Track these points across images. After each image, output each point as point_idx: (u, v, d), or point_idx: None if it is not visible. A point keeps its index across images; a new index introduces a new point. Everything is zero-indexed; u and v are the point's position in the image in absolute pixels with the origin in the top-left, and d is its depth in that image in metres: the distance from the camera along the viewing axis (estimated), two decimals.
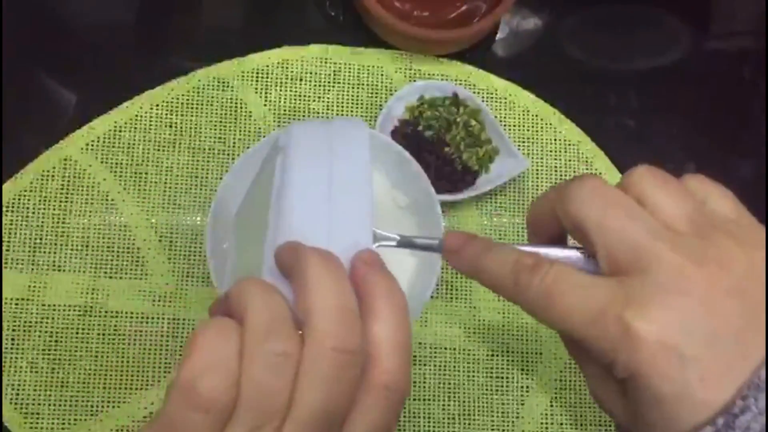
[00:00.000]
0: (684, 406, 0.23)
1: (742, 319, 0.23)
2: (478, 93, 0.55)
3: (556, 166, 0.54)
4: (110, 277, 0.48)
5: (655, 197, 0.25)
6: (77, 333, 0.47)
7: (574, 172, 0.54)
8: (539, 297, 0.25)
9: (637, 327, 0.23)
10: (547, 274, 0.25)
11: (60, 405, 0.46)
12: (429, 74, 0.55)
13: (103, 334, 0.48)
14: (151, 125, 0.51)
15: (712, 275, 0.23)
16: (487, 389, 0.50)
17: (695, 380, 0.23)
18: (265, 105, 0.53)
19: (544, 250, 0.27)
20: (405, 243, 0.29)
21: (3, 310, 0.47)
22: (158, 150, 0.51)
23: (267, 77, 0.53)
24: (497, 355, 0.50)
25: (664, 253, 0.24)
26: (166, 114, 0.52)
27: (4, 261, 0.48)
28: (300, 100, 0.53)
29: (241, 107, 0.52)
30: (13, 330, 0.47)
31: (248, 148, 0.42)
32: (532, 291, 0.25)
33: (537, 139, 0.55)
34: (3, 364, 0.46)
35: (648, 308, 0.23)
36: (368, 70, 0.55)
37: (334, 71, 0.54)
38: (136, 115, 0.51)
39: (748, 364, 0.23)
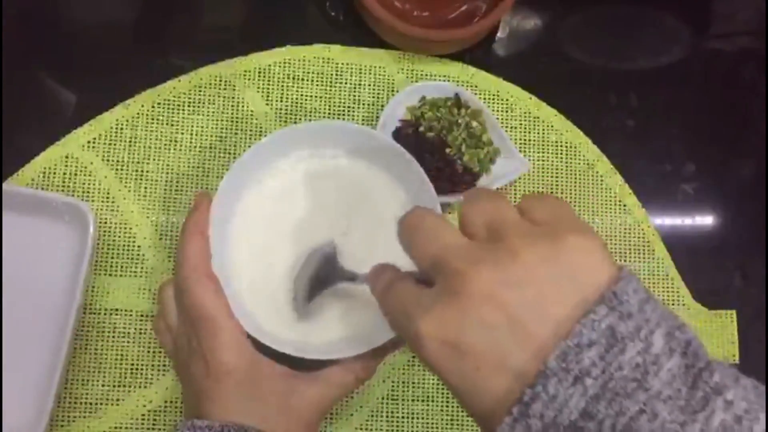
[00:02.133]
0: (471, 396, 0.25)
1: (520, 308, 0.25)
2: (480, 94, 0.55)
3: (557, 168, 0.54)
4: (110, 275, 0.48)
5: (467, 215, 0.29)
6: (77, 330, 0.47)
7: (575, 173, 0.55)
8: (387, 308, 0.30)
9: (421, 328, 0.26)
10: (393, 288, 0.30)
11: (59, 402, 0.46)
12: (431, 75, 0.55)
13: (103, 332, 0.48)
14: (152, 123, 0.51)
15: (489, 273, 0.25)
16: None
17: (471, 370, 0.25)
18: (266, 104, 0.53)
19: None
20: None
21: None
22: (159, 148, 0.51)
23: (268, 77, 0.53)
24: None
25: (449, 261, 0.26)
26: (168, 112, 0.52)
27: None
28: (301, 99, 0.53)
29: (243, 106, 0.52)
30: None
31: (249, 146, 0.42)
32: (385, 301, 0.30)
33: (538, 140, 0.55)
34: None
35: (432, 311, 0.26)
36: (370, 70, 0.55)
37: (336, 71, 0.54)
38: (138, 113, 0.51)
39: (526, 350, 0.24)
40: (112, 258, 0.49)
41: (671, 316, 0.25)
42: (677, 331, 0.25)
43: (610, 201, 0.54)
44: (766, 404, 0.24)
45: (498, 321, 0.25)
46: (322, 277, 0.41)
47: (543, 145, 0.55)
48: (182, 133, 0.51)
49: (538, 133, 0.55)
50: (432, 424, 0.49)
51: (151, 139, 0.51)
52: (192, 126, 0.52)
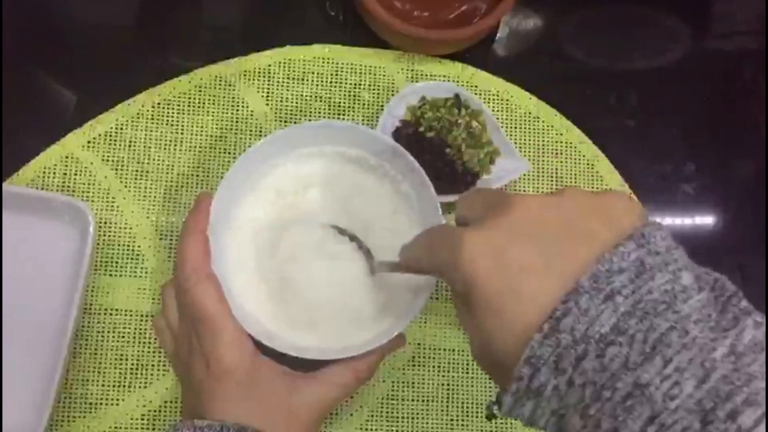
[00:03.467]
0: (508, 301, 0.26)
1: (565, 226, 0.26)
2: (480, 94, 0.55)
3: (556, 168, 0.54)
4: (110, 275, 0.48)
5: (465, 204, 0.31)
6: (77, 330, 0.47)
7: (575, 173, 0.55)
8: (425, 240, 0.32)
9: (465, 237, 0.27)
10: (436, 232, 0.31)
11: (58, 402, 0.46)
12: (431, 75, 0.55)
13: (103, 332, 0.48)
14: (152, 123, 0.51)
15: (534, 199, 0.28)
16: (486, 390, 0.50)
17: (515, 270, 0.26)
18: (266, 104, 0.53)
19: None
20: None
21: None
22: (159, 148, 0.51)
23: (268, 76, 0.53)
24: None
25: (507, 194, 0.29)
26: (168, 112, 0.52)
27: None
28: (301, 99, 0.53)
29: (243, 106, 0.52)
30: None
31: (249, 146, 0.42)
32: (423, 238, 0.32)
33: (538, 140, 0.55)
34: None
35: (478, 227, 0.28)
36: (370, 70, 0.55)
37: (336, 71, 0.54)
38: (138, 113, 0.51)
39: (569, 262, 0.25)
40: (112, 258, 0.49)
41: (699, 267, 0.26)
42: (705, 274, 0.26)
43: None
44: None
45: (543, 235, 0.26)
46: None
47: (543, 145, 0.55)
48: (182, 133, 0.51)
49: (538, 133, 0.55)
50: (432, 424, 0.49)
51: (151, 139, 0.51)
52: (192, 126, 0.52)
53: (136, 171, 0.50)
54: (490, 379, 0.50)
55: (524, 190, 0.54)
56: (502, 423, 0.50)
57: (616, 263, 0.25)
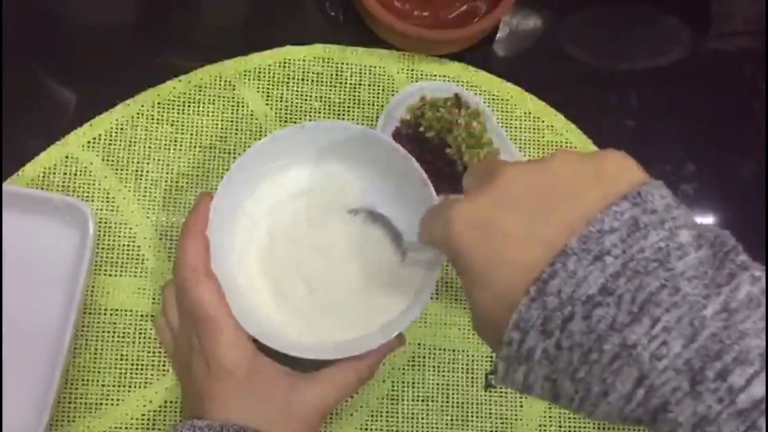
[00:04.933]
0: (494, 270, 0.26)
1: (551, 192, 0.26)
2: (480, 94, 0.55)
3: None
4: (110, 275, 0.48)
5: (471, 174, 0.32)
6: (76, 330, 0.47)
7: None
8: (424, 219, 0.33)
9: (452, 212, 0.27)
10: (433, 208, 0.32)
11: (58, 402, 0.46)
12: (431, 75, 0.55)
13: (103, 332, 0.48)
14: (152, 123, 0.51)
15: (519, 166, 0.27)
16: (486, 391, 0.50)
17: (500, 239, 0.26)
18: (266, 104, 0.53)
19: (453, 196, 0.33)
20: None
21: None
22: (159, 148, 0.51)
23: (268, 76, 0.53)
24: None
25: (493, 163, 0.29)
26: (168, 112, 0.52)
27: None
28: (301, 99, 0.53)
29: (243, 106, 0.52)
30: None
31: (249, 146, 0.42)
32: (424, 217, 0.33)
33: (538, 140, 0.55)
34: None
35: (465, 198, 0.28)
36: (370, 70, 0.55)
37: (336, 71, 0.54)
38: (138, 113, 0.51)
39: (554, 226, 0.25)
40: (112, 258, 0.49)
41: (700, 224, 0.26)
42: (707, 232, 0.25)
43: None
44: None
45: (528, 201, 0.26)
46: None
47: (543, 145, 0.55)
48: (182, 133, 0.51)
49: (538, 133, 0.55)
50: (432, 424, 0.49)
51: (151, 139, 0.51)
52: (192, 126, 0.52)
53: (136, 171, 0.50)
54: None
55: None
56: (502, 423, 0.50)
57: (607, 223, 0.24)
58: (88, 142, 0.50)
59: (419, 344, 0.50)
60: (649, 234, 0.24)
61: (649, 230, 0.24)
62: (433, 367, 0.50)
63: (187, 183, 0.51)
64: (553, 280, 0.24)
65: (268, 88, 0.53)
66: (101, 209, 0.49)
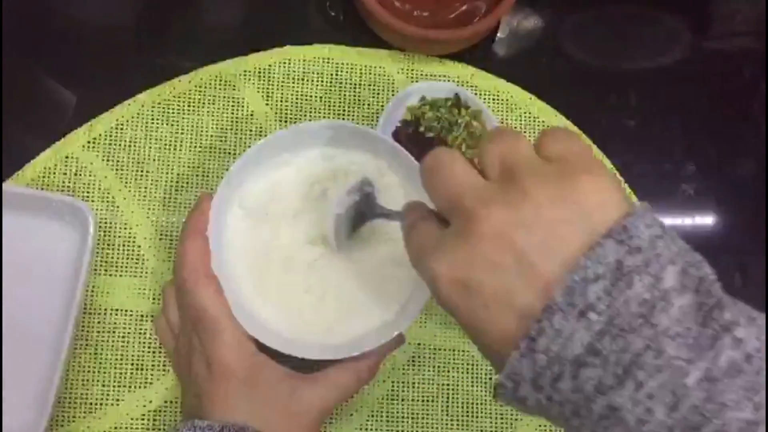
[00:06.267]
0: (482, 334, 0.26)
1: (529, 247, 0.25)
2: (480, 94, 0.55)
3: None
4: (110, 275, 0.48)
5: (483, 156, 0.29)
6: (76, 330, 0.47)
7: None
8: (409, 247, 0.31)
9: (435, 268, 0.27)
10: (415, 227, 0.31)
11: (58, 402, 0.46)
12: (431, 75, 0.55)
13: (103, 332, 0.48)
14: (152, 123, 0.51)
15: (499, 213, 0.25)
16: (486, 390, 0.50)
17: (481, 308, 0.25)
18: (266, 104, 0.53)
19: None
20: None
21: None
22: (159, 148, 0.51)
23: (269, 76, 0.53)
24: None
25: (462, 202, 0.27)
26: (168, 112, 0.52)
27: None
28: (302, 99, 0.53)
29: (243, 106, 0.52)
30: None
31: (249, 146, 0.42)
32: (408, 240, 0.31)
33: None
34: None
35: (445, 251, 0.27)
36: (370, 70, 0.55)
37: (336, 71, 0.54)
38: (138, 113, 0.51)
39: (533, 288, 0.24)
40: (112, 258, 0.49)
41: (688, 253, 0.25)
42: (692, 268, 0.24)
43: None
44: None
45: (506, 260, 0.25)
46: (360, 213, 0.41)
47: None
48: (182, 133, 0.51)
49: (538, 133, 0.55)
50: (432, 424, 0.49)
51: (151, 139, 0.51)
52: (192, 126, 0.52)
53: (136, 171, 0.50)
54: (490, 378, 0.50)
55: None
56: (502, 423, 0.50)
57: (591, 269, 0.23)
58: (88, 142, 0.50)
59: (419, 344, 0.50)
60: (634, 282, 0.23)
61: (633, 277, 0.23)
62: (434, 367, 0.50)
63: (187, 183, 0.51)
64: (541, 338, 0.24)
65: (268, 88, 0.53)
66: (101, 209, 0.49)
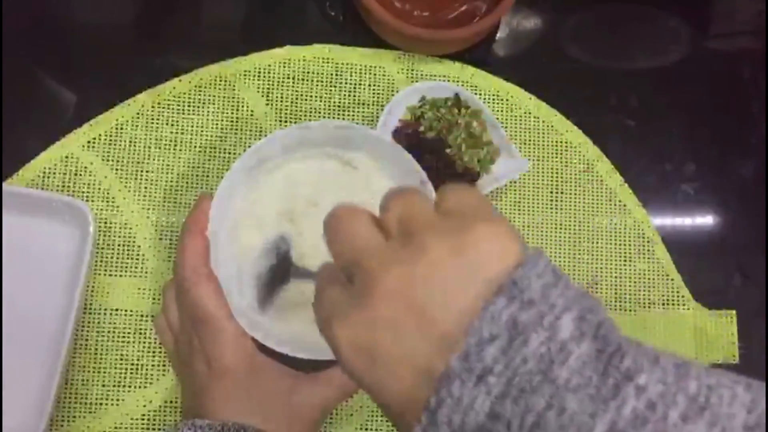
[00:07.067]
0: (385, 399, 0.25)
1: (427, 304, 0.24)
2: (480, 94, 0.55)
3: (556, 168, 0.54)
4: (110, 275, 0.48)
5: (382, 213, 0.28)
6: (76, 330, 0.47)
7: (575, 173, 0.55)
8: (315, 314, 0.28)
9: (336, 334, 0.25)
10: (322, 293, 0.28)
11: (58, 402, 0.46)
12: (431, 75, 0.55)
13: (103, 332, 0.48)
14: (152, 123, 0.51)
15: (397, 271, 0.25)
16: None
17: (383, 373, 0.24)
18: (266, 104, 0.53)
19: None
20: None
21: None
22: (159, 148, 0.51)
23: (269, 76, 0.53)
24: None
25: (361, 262, 0.26)
26: (168, 112, 0.52)
27: None
28: (302, 99, 0.53)
29: (243, 106, 0.52)
30: None
31: (249, 146, 0.42)
32: (315, 307, 0.29)
33: (538, 140, 0.55)
34: None
35: (346, 315, 0.25)
36: (370, 70, 0.55)
37: (336, 71, 0.54)
38: (138, 113, 0.51)
39: (432, 345, 0.24)
40: (112, 258, 0.49)
41: (583, 298, 0.24)
42: (588, 314, 0.23)
43: (610, 201, 0.54)
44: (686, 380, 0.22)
45: (406, 319, 0.24)
46: (280, 274, 0.41)
47: (543, 145, 0.55)
48: (182, 133, 0.51)
49: (538, 133, 0.55)
50: None
51: (151, 139, 0.51)
52: (192, 126, 0.52)
53: (136, 171, 0.50)
54: None
55: (524, 190, 0.54)
56: None
57: (486, 330, 0.23)
58: (88, 142, 0.50)
59: None
60: (530, 339, 0.23)
61: (529, 333, 0.23)
62: None
63: (187, 183, 0.51)
64: (441, 409, 0.23)
65: (268, 88, 0.53)
66: (101, 209, 0.49)
